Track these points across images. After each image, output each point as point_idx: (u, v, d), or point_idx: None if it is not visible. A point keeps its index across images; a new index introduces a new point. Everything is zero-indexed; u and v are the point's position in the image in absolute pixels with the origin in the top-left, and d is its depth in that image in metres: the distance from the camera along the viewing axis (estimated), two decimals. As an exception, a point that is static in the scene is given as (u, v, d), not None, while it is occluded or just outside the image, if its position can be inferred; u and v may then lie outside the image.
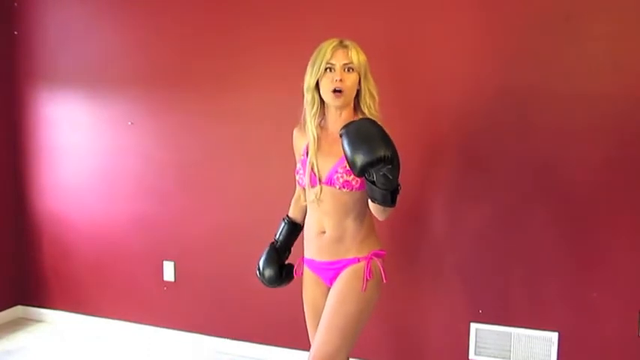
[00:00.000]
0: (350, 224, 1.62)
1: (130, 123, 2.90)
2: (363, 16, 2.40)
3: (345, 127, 1.45)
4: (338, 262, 1.65)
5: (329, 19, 2.44)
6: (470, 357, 2.39)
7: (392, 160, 1.37)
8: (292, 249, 1.88)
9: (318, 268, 1.70)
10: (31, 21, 3.06)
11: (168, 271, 2.90)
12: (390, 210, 1.53)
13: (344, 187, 1.58)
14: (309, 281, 1.75)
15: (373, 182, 1.42)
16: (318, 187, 1.62)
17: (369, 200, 1.50)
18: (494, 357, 2.36)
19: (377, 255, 1.65)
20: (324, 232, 1.65)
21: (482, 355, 2.37)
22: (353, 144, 1.39)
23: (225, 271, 2.78)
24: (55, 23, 3.02)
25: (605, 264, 2.19)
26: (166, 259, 2.90)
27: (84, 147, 3.03)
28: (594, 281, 2.21)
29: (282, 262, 1.83)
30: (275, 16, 2.57)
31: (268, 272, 1.81)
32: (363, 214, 1.63)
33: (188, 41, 2.75)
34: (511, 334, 2.32)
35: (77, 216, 3.08)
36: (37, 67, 3.08)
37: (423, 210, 2.42)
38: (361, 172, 1.39)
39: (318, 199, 1.62)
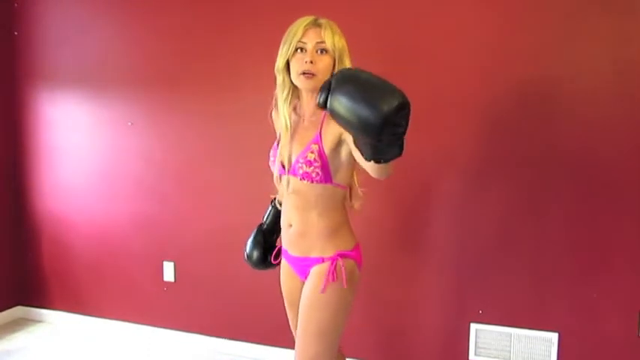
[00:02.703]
0: (314, 220, 1.52)
1: (129, 123, 2.90)
2: (364, 14, 2.40)
3: (324, 90, 1.15)
4: (305, 259, 1.57)
5: (329, 17, 2.44)
6: (470, 357, 2.39)
7: (407, 104, 1.10)
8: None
9: (290, 260, 1.65)
10: (31, 21, 3.06)
11: (168, 272, 2.90)
12: (392, 165, 1.28)
13: (304, 179, 1.48)
14: (285, 272, 1.71)
15: (399, 133, 1.14)
16: (285, 178, 1.54)
17: (371, 162, 1.22)
18: (495, 357, 2.35)
19: (343, 255, 1.53)
20: (290, 226, 1.58)
21: (482, 356, 2.37)
22: (353, 104, 1.09)
23: (225, 272, 2.78)
24: (55, 23, 3.02)
25: (605, 264, 2.19)
26: (166, 260, 2.90)
27: (84, 147, 3.03)
28: (594, 282, 2.21)
29: (268, 245, 1.77)
30: (274, 16, 2.56)
31: (255, 254, 1.75)
32: (330, 209, 1.53)
33: (188, 42, 2.75)
34: (511, 334, 2.32)
35: (77, 216, 3.08)
36: (37, 67, 3.08)
37: (424, 208, 2.42)
38: (379, 133, 1.09)
39: (288, 190, 1.54)
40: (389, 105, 1.07)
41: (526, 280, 2.29)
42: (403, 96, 1.09)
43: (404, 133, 1.14)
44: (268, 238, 1.78)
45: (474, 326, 2.37)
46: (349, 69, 1.25)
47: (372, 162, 1.22)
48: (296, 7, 2.50)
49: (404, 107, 1.09)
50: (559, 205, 2.23)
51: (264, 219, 1.82)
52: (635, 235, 2.15)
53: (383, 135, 1.10)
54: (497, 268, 2.33)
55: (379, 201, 2.40)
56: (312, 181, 1.47)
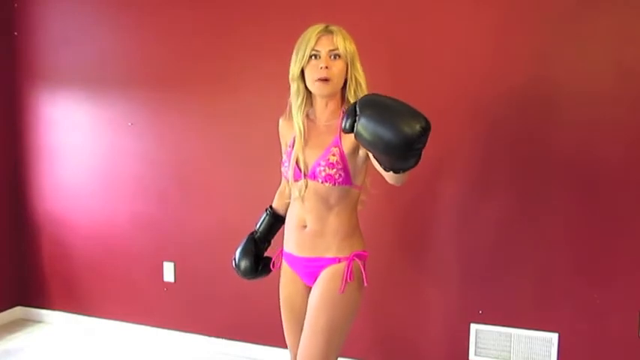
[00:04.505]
0: (332, 220, 1.55)
1: (129, 124, 2.90)
2: (364, 17, 2.40)
3: (350, 116, 1.23)
4: (317, 259, 1.57)
5: (328, 18, 2.44)
6: (470, 358, 2.39)
7: (429, 127, 1.17)
8: (272, 242, 1.81)
9: (296, 263, 1.63)
10: (31, 21, 3.06)
11: (168, 272, 2.90)
12: (408, 172, 1.34)
13: (326, 182, 1.50)
14: (286, 277, 1.69)
15: (418, 151, 1.22)
16: (302, 181, 1.55)
17: (390, 172, 1.30)
18: (495, 358, 2.36)
19: (359, 256, 1.57)
20: (305, 227, 1.58)
21: (482, 356, 2.37)
22: (378, 128, 1.16)
23: (225, 272, 2.76)
24: (55, 24, 3.02)
25: (605, 264, 2.19)
26: (166, 260, 2.90)
27: (84, 147, 3.03)
28: (594, 282, 2.21)
29: (259, 254, 1.76)
30: (272, 17, 2.57)
31: (244, 263, 1.74)
32: (347, 210, 1.56)
33: (187, 42, 2.75)
34: (511, 334, 2.32)
35: (77, 216, 3.08)
36: (37, 68, 3.08)
37: (425, 209, 2.42)
38: (403, 155, 1.18)
39: (302, 195, 1.55)
40: (412, 129, 1.14)
41: (526, 280, 2.30)
42: (425, 120, 1.17)
43: (423, 148, 1.22)
44: (259, 246, 1.77)
45: (474, 326, 2.37)
46: (372, 94, 1.29)
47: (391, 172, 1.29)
48: (296, 8, 2.52)
49: (426, 131, 1.16)
50: (559, 205, 2.23)
51: (257, 227, 1.80)
52: (635, 235, 2.15)
53: (406, 156, 1.18)
54: (497, 268, 2.33)
55: (380, 202, 2.39)
56: (335, 184, 1.50)
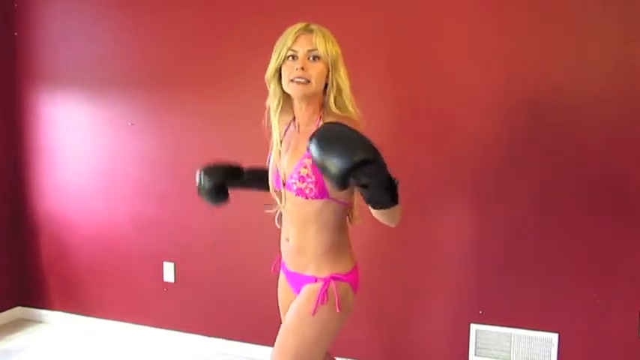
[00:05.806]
0: (312, 235, 1.45)
1: (130, 124, 2.90)
2: (370, 19, 2.39)
3: (311, 137, 1.23)
4: (298, 275, 1.52)
5: (328, 19, 2.44)
6: (470, 358, 2.39)
7: (369, 161, 1.17)
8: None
9: (287, 274, 1.61)
10: (31, 22, 3.06)
11: (168, 272, 2.90)
12: (398, 212, 1.33)
13: (298, 195, 1.41)
14: (281, 284, 1.67)
15: (365, 185, 1.21)
16: (281, 190, 1.47)
17: (371, 208, 1.29)
18: (495, 358, 2.35)
19: (337, 279, 1.45)
20: (288, 240, 1.53)
21: (482, 356, 2.37)
22: (321, 155, 1.18)
23: (225, 272, 2.78)
24: (55, 24, 3.02)
25: (605, 265, 2.19)
26: (166, 260, 2.90)
27: (84, 147, 3.03)
28: (594, 282, 2.21)
29: (226, 181, 1.66)
30: (272, 17, 2.56)
31: (208, 184, 1.64)
32: (329, 226, 1.45)
33: (188, 42, 2.75)
34: (511, 334, 2.32)
35: (77, 217, 3.08)
36: (37, 68, 3.08)
37: (425, 211, 2.42)
38: (340, 181, 1.18)
39: (283, 205, 1.48)
40: (351, 158, 1.15)
41: (526, 280, 2.29)
42: (369, 152, 1.17)
43: (382, 179, 1.21)
44: (234, 175, 1.68)
45: (474, 326, 2.37)
46: (335, 124, 1.27)
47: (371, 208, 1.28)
48: (297, 7, 2.52)
49: (367, 163, 1.16)
50: (559, 206, 2.23)
51: (249, 167, 1.71)
52: (635, 235, 2.15)
53: (345, 183, 1.19)
54: (497, 268, 2.33)
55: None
56: (307, 197, 1.41)
